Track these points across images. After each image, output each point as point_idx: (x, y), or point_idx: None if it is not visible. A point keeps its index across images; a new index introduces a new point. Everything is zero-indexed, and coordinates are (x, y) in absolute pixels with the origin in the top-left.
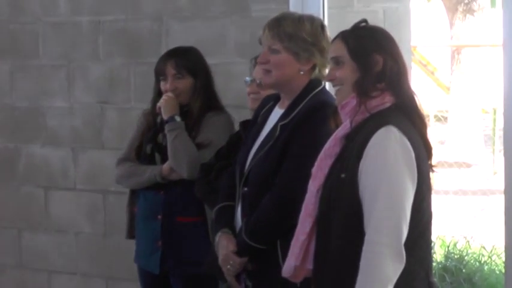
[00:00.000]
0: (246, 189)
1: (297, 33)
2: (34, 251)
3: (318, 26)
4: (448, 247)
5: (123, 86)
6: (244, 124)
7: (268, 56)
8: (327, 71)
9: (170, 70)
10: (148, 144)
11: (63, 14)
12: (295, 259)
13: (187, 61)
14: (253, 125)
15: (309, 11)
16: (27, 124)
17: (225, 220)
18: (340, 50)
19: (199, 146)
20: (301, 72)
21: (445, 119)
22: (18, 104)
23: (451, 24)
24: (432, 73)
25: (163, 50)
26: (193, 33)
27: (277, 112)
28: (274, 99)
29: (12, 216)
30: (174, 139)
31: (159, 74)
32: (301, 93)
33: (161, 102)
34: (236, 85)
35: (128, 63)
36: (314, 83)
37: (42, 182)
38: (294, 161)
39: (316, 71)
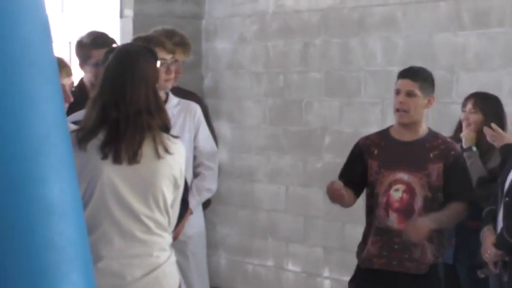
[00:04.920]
0: (507, 199)
1: None
2: (354, 238)
3: None
4: None
5: None
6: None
7: None
8: None
9: (469, 106)
10: None
11: (379, 64)
12: None
13: (483, 101)
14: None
15: None
16: (351, 144)
17: (490, 219)
18: None
19: (489, 171)
20: None
21: None
22: (345, 130)
23: None
24: None
25: (454, 94)
26: (477, 80)
27: None
28: None
29: (337, 212)
30: (471, 164)
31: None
32: None
33: (464, 133)
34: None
35: None
36: None
37: None
38: None
39: None
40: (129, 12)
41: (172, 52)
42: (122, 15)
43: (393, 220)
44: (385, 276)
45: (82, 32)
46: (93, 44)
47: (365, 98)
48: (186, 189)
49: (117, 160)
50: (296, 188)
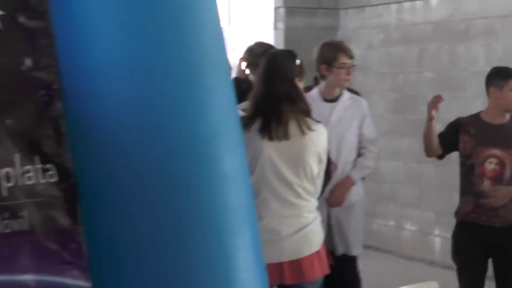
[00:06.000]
0: None
1: None
2: None
3: None
4: None
5: None
6: None
7: None
8: None
9: None
10: None
11: (481, 66)
12: None
13: None
14: None
15: None
16: None
17: None
18: None
19: None
20: None
21: None
22: (452, 119)
23: None
24: None
25: None
26: None
27: None
28: None
29: (446, 184)
30: None
31: None
32: None
33: None
34: None
35: None
36: None
37: None
38: None
39: None
40: (280, 25)
41: (352, 57)
42: (275, 28)
43: (486, 185)
44: (476, 228)
45: (244, 40)
46: (264, 53)
47: (469, 93)
48: (329, 163)
49: (272, 139)
50: (412, 164)
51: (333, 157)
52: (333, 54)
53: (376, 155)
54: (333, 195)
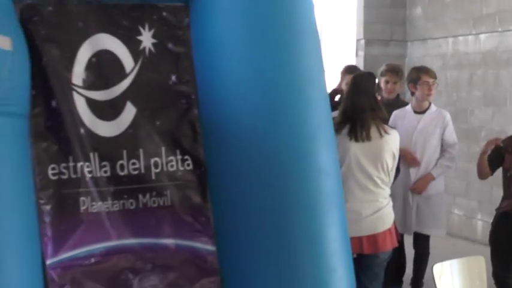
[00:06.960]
0: None
1: None
2: (498, 196)
3: None
4: None
5: None
6: None
7: None
8: None
9: None
10: None
11: None
12: None
13: None
14: None
15: None
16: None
17: None
18: None
19: None
20: None
21: None
22: (495, 128)
23: None
24: None
25: None
26: None
27: None
28: None
29: (488, 179)
30: None
31: None
32: None
33: None
34: None
35: None
36: None
37: None
38: None
39: None
40: (361, 53)
41: (433, 77)
42: (356, 55)
43: None
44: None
45: (332, 65)
46: (346, 71)
47: (509, 107)
48: (399, 160)
49: (357, 140)
50: (462, 163)
51: (418, 157)
52: (417, 75)
53: (454, 157)
54: (415, 185)
